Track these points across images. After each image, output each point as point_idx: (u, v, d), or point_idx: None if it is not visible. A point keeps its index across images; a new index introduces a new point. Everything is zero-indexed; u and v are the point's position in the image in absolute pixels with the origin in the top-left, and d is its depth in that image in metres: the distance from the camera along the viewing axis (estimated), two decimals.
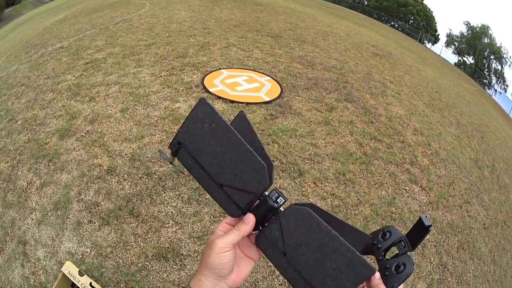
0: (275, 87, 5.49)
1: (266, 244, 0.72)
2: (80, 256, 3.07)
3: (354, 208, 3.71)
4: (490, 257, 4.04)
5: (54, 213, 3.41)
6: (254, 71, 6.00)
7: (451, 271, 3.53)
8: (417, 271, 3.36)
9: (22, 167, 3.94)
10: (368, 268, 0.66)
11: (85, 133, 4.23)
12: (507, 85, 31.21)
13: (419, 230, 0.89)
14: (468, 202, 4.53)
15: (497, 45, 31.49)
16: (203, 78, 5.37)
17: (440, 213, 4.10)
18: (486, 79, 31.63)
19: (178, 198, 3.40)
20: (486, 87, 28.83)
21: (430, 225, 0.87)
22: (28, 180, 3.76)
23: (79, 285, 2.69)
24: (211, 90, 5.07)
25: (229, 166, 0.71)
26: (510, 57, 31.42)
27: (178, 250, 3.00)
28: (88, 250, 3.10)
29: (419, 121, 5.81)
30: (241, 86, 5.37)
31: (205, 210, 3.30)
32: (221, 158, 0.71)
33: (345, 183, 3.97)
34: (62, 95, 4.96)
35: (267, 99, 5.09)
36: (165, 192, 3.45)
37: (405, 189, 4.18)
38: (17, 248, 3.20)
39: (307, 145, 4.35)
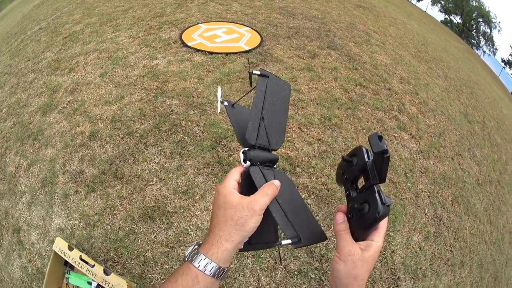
0: (255, 37, 4.69)
1: None
2: (70, 230, 2.54)
3: (342, 153, 3.05)
4: (486, 216, 3.48)
5: (42, 190, 2.86)
6: (233, 23, 5.15)
7: (447, 225, 3.00)
8: (412, 222, 2.79)
9: (10, 152, 3.35)
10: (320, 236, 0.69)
11: (67, 104, 3.58)
12: (496, 49, 27.32)
13: (378, 157, 0.62)
14: (460, 154, 3.87)
15: (486, 10, 27.14)
16: (181, 34, 4.58)
17: (431, 162, 3.45)
18: (474, 39, 27.73)
19: (160, 153, 2.78)
20: (474, 47, 25.12)
21: (385, 151, 0.58)
22: (16, 164, 3.18)
23: (69, 261, 2.16)
24: (189, 44, 4.30)
25: None
26: (499, 22, 27.14)
27: (163, 208, 2.43)
28: (77, 222, 2.56)
29: (406, 71, 4.96)
30: (220, 38, 4.59)
31: (188, 163, 2.69)
32: None
33: (331, 128, 3.30)
34: (42, 73, 4.27)
35: (247, 48, 4.32)
36: (147, 149, 2.83)
37: (394, 136, 3.52)
38: (12, 238, 2.70)
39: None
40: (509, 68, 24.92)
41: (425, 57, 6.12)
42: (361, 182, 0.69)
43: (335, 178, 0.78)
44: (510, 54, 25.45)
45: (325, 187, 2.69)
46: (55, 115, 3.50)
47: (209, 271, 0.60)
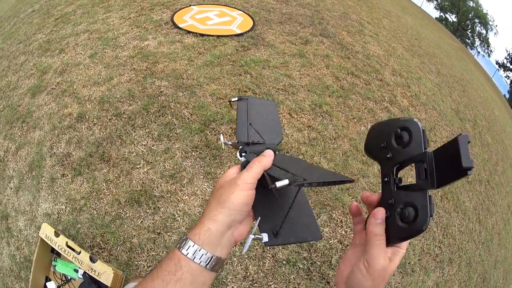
0: (247, 21, 4.35)
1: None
2: (57, 215, 2.33)
3: (332, 141, 2.83)
4: (475, 215, 3.31)
5: (30, 175, 2.62)
6: (226, 6, 4.78)
7: (436, 221, 2.82)
8: None
9: None
10: (315, 235, 0.58)
11: (55, 85, 3.29)
12: (491, 51, 25.71)
13: (451, 165, 0.43)
14: None
15: (483, 12, 25.37)
16: (173, 15, 4.24)
17: None
18: (469, 39, 26.00)
19: (148, 135, 2.53)
20: (468, 47, 23.43)
21: (470, 168, 0.41)
22: (5, 148, 2.92)
23: (56, 248, 1.95)
24: (180, 25, 3.97)
25: None
26: (496, 25, 25.50)
27: (150, 192, 2.20)
28: (63, 207, 2.34)
29: (398, 63, 4.63)
30: (211, 20, 4.25)
31: (176, 146, 2.44)
32: None
33: (322, 115, 3.05)
34: (33, 54, 3.94)
35: (239, 31, 3.99)
36: (134, 131, 2.58)
37: None
38: (1, 225, 2.48)
39: (281, 76, 3.35)
40: (504, 71, 24.03)
41: (418, 51, 5.80)
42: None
43: (365, 145, 0.56)
44: (506, 58, 24.38)
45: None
46: (44, 97, 3.22)
47: (191, 254, 0.51)
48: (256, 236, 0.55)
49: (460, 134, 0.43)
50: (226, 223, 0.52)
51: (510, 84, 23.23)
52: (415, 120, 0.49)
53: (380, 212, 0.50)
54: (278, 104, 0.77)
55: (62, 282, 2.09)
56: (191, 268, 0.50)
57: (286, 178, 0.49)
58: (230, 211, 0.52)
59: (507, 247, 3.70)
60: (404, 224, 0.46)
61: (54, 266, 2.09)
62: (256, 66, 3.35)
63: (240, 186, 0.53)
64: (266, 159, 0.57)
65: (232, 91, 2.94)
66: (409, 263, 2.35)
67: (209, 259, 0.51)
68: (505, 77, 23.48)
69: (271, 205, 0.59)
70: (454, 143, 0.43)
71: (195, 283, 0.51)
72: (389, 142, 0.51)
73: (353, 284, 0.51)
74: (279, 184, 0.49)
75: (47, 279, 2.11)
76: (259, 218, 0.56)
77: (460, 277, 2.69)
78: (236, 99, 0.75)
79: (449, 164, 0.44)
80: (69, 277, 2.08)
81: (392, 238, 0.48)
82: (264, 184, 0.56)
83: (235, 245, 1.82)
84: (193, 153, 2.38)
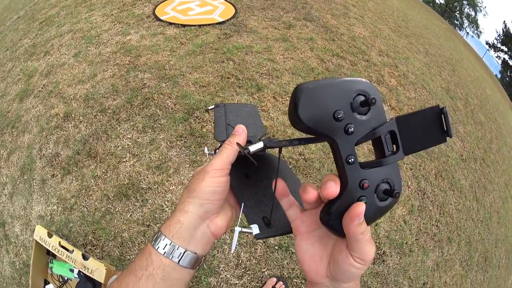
0: (229, 9, 4.15)
1: None
2: (50, 217, 2.23)
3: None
4: (471, 193, 3.15)
5: (22, 179, 2.52)
6: None
7: (432, 199, 2.67)
8: None
9: None
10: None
11: (42, 88, 3.16)
12: (480, 32, 24.67)
13: (429, 133, 0.39)
14: None
15: None
16: (154, 9, 4.06)
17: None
18: (457, 20, 24.81)
19: (133, 128, 2.41)
20: (457, 28, 22.22)
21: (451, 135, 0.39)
22: None
23: (50, 248, 1.86)
24: (162, 18, 3.80)
25: None
26: (485, 7, 24.48)
27: (138, 185, 2.09)
28: (55, 208, 2.24)
29: (385, 44, 4.41)
30: (193, 10, 4.06)
31: (161, 137, 2.32)
32: None
33: None
34: (19, 60, 3.80)
35: (221, 19, 3.81)
36: (119, 125, 2.46)
37: None
38: None
39: (265, 61, 3.18)
40: (494, 51, 23.12)
41: (405, 32, 5.54)
42: None
43: (300, 114, 0.36)
44: (496, 38, 23.39)
45: (302, 157, 2.35)
46: (31, 100, 3.10)
47: (162, 249, 0.44)
48: (244, 229, 0.46)
49: (438, 105, 0.38)
50: (197, 215, 0.45)
51: (501, 64, 22.65)
52: (375, 88, 0.38)
53: (361, 211, 0.38)
54: (257, 107, 0.69)
55: (60, 284, 2.00)
56: (163, 263, 0.44)
57: (260, 141, 0.43)
58: (201, 200, 0.45)
59: (507, 225, 3.60)
60: (383, 202, 0.39)
61: (51, 268, 2.01)
62: (238, 53, 3.20)
63: (210, 172, 0.45)
64: (236, 137, 0.48)
65: (215, 78, 2.80)
66: (406, 243, 2.25)
67: (181, 254, 0.44)
68: (496, 57, 22.85)
69: (258, 192, 0.51)
70: (433, 111, 0.38)
71: (167, 279, 0.44)
72: (346, 111, 0.36)
73: (344, 277, 0.43)
74: (252, 148, 0.43)
75: (46, 282, 2.03)
76: (243, 207, 0.48)
77: (460, 256, 2.59)
78: (212, 106, 0.70)
79: (424, 132, 0.39)
80: (66, 278, 1.99)
81: (372, 220, 0.40)
82: (248, 172, 0.50)
83: (216, 240, 1.72)
84: (178, 142, 2.26)
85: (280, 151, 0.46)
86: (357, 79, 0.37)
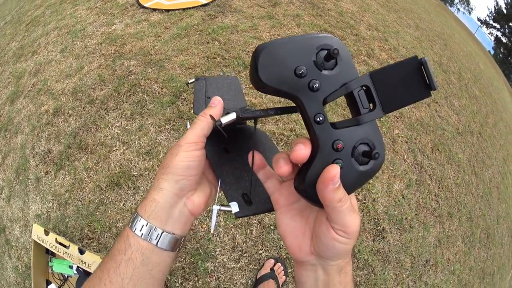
0: None
1: None
2: (46, 215, 2.17)
3: None
4: (470, 167, 3.05)
5: (17, 180, 2.47)
6: None
7: (429, 173, 2.56)
8: (391, 168, 2.32)
9: None
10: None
11: (31, 87, 3.10)
12: (471, 8, 24.23)
13: (409, 86, 0.35)
14: (436, 102, 3.34)
15: None
16: None
17: (406, 107, 2.90)
18: None
19: (121, 116, 2.32)
20: (448, 4, 21.44)
21: (436, 87, 0.35)
22: None
23: (48, 246, 1.82)
24: (146, 5, 3.68)
25: None
26: None
27: (129, 173, 2.01)
28: (51, 205, 2.18)
29: (374, 18, 4.22)
30: None
31: (149, 122, 2.23)
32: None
33: None
34: (8, 63, 3.74)
35: (205, 1, 3.67)
36: (108, 114, 2.37)
37: None
38: (1, 240, 2.34)
39: (251, 39, 3.05)
40: (486, 27, 22.62)
41: (394, 7, 5.31)
42: None
43: (259, 73, 0.33)
44: (488, 15, 22.83)
45: (294, 133, 2.25)
46: (22, 101, 3.03)
47: (139, 230, 0.40)
48: (223, 207, 0.43)
49: (415, 55, 0.35)
50: (173, 192, 0.42)
51: (494, 41, 21.98)
52: (333, 35, 0.35)
53: (334, 173, 0.33)
54: (239, 78, 0.65)
55: (61, 282, 1.96)
56: (141, 246, 0.41)
57: (233, 111, 0.40)
58: (176, 176, 0.41)
59: (508, 202, 3.48)
60: (364, 166, 0.35)
61: (51, 266, 1.96)
62: (224, 33, 3.07)
63: (183, 146, 0.42)
64: (212, 109, 0.44)
65: (200, 60, 2.68)
66: (405, 218, 2.14)
67: (159, 235, 0.41)
68: (489, 33, 22.21)
69: (238, 167, 0.47)
70: (411, 62, 0.34)
71: (147, 264, 0.41)
72: (309, 67, 0.33)
73: (329, 253, 0.38)
74: (225, 119, 0.40)
75: (48, 283, 1.98)
76: (221, 183, 0.44)
77: (462, 232, 2.49)
78: (192, 80, 0.67)
79: (404, 87, 0.34)
80: (66, 276, 1.95)
81: (353, 186, 0.36)
82: (228, 147, 0.47)
83: (195, 219, 1.62)
84: (166, 126, 2.17)
85: (255, 122, 0.43)
86: (320, 34, 0.34)
